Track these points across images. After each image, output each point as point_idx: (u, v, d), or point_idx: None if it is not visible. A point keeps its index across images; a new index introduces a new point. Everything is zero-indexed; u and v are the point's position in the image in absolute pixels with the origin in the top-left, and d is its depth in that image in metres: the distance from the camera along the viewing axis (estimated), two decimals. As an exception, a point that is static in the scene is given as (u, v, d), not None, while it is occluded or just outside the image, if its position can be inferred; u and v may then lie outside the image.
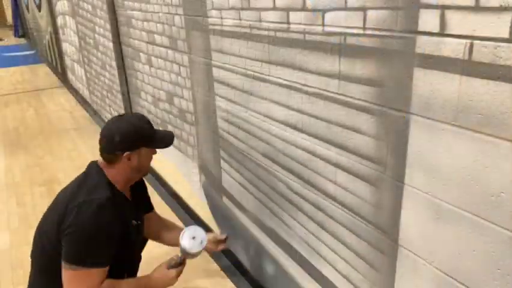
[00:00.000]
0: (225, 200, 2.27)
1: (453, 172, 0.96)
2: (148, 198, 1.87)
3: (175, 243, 1.70)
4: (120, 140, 1.48)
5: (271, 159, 1.71)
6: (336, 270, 1.48)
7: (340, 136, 1.29)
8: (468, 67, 0.86)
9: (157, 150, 1.63)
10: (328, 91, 1.28)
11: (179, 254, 1.63)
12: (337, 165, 1.34)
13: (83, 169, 1.59)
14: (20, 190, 3.42)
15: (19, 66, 8.50)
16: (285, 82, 1.48)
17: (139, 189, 1.74)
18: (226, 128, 2.02)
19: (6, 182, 3.58)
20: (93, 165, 1.56)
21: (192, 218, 2.61)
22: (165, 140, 1.63)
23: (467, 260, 0.98)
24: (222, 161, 2.18)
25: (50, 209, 1.56)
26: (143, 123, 1.56)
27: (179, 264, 1.61)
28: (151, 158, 1.61)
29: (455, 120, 0.92)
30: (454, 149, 0.94)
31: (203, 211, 2.60)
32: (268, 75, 1.56)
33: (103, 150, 1.52)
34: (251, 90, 1.71)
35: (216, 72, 1.97)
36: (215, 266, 2.36)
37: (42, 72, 7.87)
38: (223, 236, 1.87)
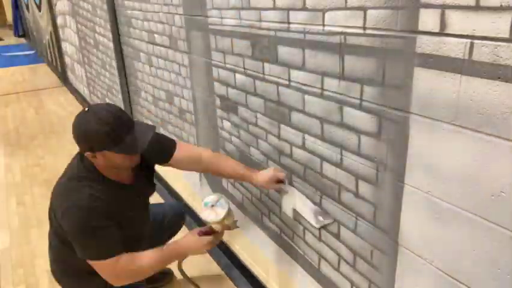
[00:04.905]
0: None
1: (453, 172, 0.96)
2: (160, 150, 1.71)
3: (233, 171, 1.69)
4: (77, 141, 1.42)
5: (271, 159, 1.71)
6: (337, 269, 1.48)
7: (340, 135, 1.29)
8: (468, 67, 0.86)
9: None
10: (328, 90, 1.28)
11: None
12: (337, 165, 1.34)
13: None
14: (20, 190, 3.42)
15: (19, 66, 8.50)
16: (284, 81, 1.48)
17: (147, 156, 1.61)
18: (226, 128, 2.02)
19: (6, 182, 3.58)
20: (83, 156, 1.49)
21: (192, 218, 2.61)
22: (134, 145, 1.39)
23: (467, 259, 0.98)
24: (222, 161, 2.17)
25: (52, 196, 1.55)
26: (102, 126, 1.34)
27: (208, 233, 1.57)
28: (125, 158, 1.44)
29: (455, 120, 0.92)
30: (454, 149, 0.94)
31: (203, 211, 2.59)
32: (268, 75, 1.56)
33: None
34: (251, 90, 1.71)
35: (215, 72, 1.97)
36: (215, 266, 2.36)
37: (42, 72, 7.86)
38: (282, 175, 1.58)
